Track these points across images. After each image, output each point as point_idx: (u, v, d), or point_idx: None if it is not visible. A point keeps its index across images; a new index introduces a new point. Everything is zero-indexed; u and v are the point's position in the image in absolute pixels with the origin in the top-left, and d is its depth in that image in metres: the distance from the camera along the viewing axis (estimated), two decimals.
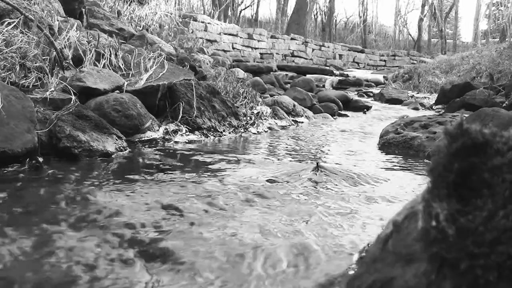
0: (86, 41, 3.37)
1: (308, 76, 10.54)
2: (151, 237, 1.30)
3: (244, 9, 27.39)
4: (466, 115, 3.68)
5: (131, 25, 5.80)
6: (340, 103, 6.42)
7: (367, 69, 19.96)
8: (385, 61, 22.55)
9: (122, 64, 3.48)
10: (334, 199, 1.80)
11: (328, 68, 15.49)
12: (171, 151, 2.78)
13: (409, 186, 2.15)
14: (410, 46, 27.89)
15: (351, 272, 1.07)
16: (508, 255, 0.51)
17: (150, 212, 1.53)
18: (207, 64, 5.81)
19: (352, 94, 8.96)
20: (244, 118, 3.93)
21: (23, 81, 2.61)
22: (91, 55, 3.29)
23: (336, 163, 2.60)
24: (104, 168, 2.17)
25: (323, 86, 10.62)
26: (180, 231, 1.36)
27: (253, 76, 8.81)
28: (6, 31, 2.79)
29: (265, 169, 2.32)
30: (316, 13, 28.77)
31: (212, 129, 3.45)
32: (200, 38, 12.76)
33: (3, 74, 2.51)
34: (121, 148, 2.56)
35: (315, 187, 1.96)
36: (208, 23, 15.59)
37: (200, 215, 1.52)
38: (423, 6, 28.06)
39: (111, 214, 1.48)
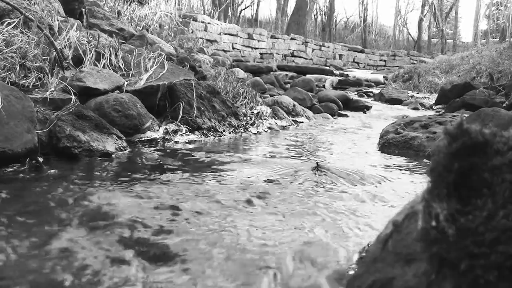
0: (86, 41, 3.37)
1: (308, 76, 10.54)
2: (152, 237, 1.30)
3: (244, 9, 27.40)
4: (466, 115, 3.68)
5: (131, 25, 5.80)
6: (340, 103, 6.42)
7: (367, 69, 19.96)
8: (385, 61, 22.55)
9: (122, 64, 3.48)
10: (333, 199, 1.80)
11: (328, 68, 15.50)
12: (171, 151, 2.78)
13: (409, 186, 2.15)
14: (410, 46, 27.89)
15: (351, 272, 1.07)
16: (508, 255, 0.51)
17: (150, 212, 1.53)
18: (207, 64, 5.81)
19: (352, 94, 8.96)
20: (244, 118, 3.93)
21: (23, 81, 2.61)
22: (91, 55, 3.29)
23: (336, 163, 2.60)
24: (104, 168, 2.17)
25: (323, 86, 10.62)
26: (181, 231, 1.36)
27: (253, 76, 8.81)
28: (6, 31, 2.79)
29: (265, 169, 2.32)
30: (316, 13, 28.78)
31: (212, 129, 3.45)
32: (200, 38, 12.76)
33: (3, 74, 2.51)
34: (121, 148, 2.56)
35: (315, 187, 1.96)
36: (208, 23, 15.59)
37: (201, 215, 1.52)
38: (423, 6, 28.07)
39: (111, 214, 1.48)
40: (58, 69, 2.96)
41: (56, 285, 1.01)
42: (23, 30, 2.94)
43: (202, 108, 3.50)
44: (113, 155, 2.44)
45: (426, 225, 0.58)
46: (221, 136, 3.44)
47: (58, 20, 3.48)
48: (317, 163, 2.24)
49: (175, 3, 14.35)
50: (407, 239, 0.77)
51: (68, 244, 1.22)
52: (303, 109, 5.21)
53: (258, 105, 4.46)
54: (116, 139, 2.57)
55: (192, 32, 12.49)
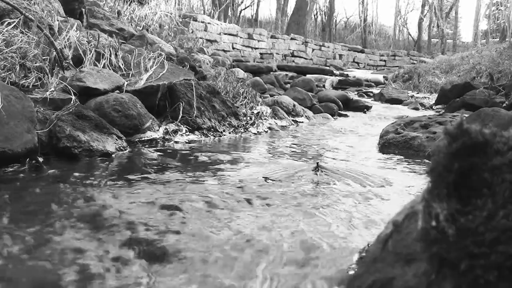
0: (86, 41, 3.37)
1: (308, 76, 10.53)
2: (151, 237, 1.30)
3: (244, 9, 27.38)
4: (466, 115, 3.68)
5: (131, 25, 5.80)
6: (340, 103, 6.42)
7: (367, 69, 19.96)
8: (385, 61, 22.55)
9: (122, 64, 3.47)
10: (334, 199, 1.80)
11: (328, 68, 15.49)
12: (171, 151, 2.78)
13: (409, 186, 2.15)
14: (410, 46, 27.89)
15: (351, 272, 1.07)
16: (508, 255, 0.51)
17: (150, 212, 1.53)
18: (207, 64, 5.81)
19: (352, 94, 8.96)
20: (244, 118, 3.93)
21: (23, 81, 2.61)
22: (91, 55, 3.28)
23: (336, 163, 2.60)
24: (104, 168, 2.17)
25: (323, 86, 10.62)
26: (180, 231, 1.36)
27: (253, 76, 8.80)
28: (6, 31, 2.79)
29: (265, 169, 2.32)
30: (316, 13, 28.77)
31: (212, 129, 3.45)
32: (200, 38, 12.76)
33: (3, 74, 2.51)
34: (121, 148, 2.56)
35: (315, 187, 1.96)
36: (208, 23, 15.59)
37: (200, 215, 1.52)
38: (423, 6, 28.07)
39: (111, 214, 1.48)
40: (58, 69, 2.96)
41: (56, 285, 1.01)
42: (23, 30, 2.94)
43: (202, 108, 3.50)
44: (113, 155, 2.44)
45: (426, 225, 0.58)
46: (221, 136, 3.44)
47: (58, 20, 3.48)
48: (317, 163, 2.24)
49: (175, 3, 14.35)
50: (407, 239, 0.77)
51: (68, 244, 1.22)
52: (303, 109, 5.21)
53: (258, 105, 4.46)
54: (116, 139, 2.57)
55: (192, 32, 12.49)
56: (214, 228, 1.40)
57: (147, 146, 2.83)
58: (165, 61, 3.80)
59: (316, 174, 2.13)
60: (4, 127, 2.04)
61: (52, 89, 2.68)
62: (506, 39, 18.60)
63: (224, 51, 15.22)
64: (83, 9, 4.47)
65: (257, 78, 8.18)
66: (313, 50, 20.45)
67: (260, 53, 17.97)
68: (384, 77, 14.30)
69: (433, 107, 7.70)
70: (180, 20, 10.17)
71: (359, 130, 4.51)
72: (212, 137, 3.37)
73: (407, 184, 2.18)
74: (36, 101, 2.48)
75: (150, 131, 2.99)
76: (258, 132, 3.85)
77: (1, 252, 1.15)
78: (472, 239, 0.53)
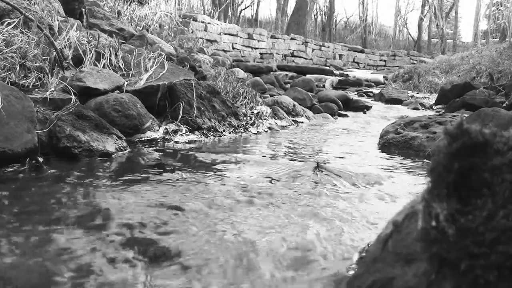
0: (86, 41, 3.37)
1: (308, 76, 10.54)
2: (152, 237, 1.30)
3: (244, 9, 27.39)
4: (466, 115, 3.68)
5: (131, 25, 5.80)
6: (340, 103, 6.42)
7: (367, 69, 19.96)
8: (385, 61, 22.55)
9: (122, 64, 3.47)
10: (334, 198, 1.80)
11: (328, 68, 15.50)
12: (171, 151, 2.78)
13: (409, 186, 2.15)
14: (410, 46, 27.89)
15: (351, 272, 1.07)
16: (508, 255, 0.51)
17: (150, 212, 1.53)
18: (207, 64, 5.81)
19: (352, 94, 8.97)
20: (244, 118, 3.93)
21: (23, 81, 2.61)
22: (91, 55, 3.28)
23: (336, 163, 2.60)
24: (104, 168, 2.17)
25: (323, 86, 10.62)
26: (181, 231, 1.36)
27: (253, 76, 8.81)
28: (6, 31, 2.79)
29: (265, 169, 2.31)
30: (316, 13, 28.78)
31: (212, 129, 3.45)
32: (200, 38, 12.76)
33: (3, 74, 2.51)
34: (121, 148, 2.56)
35: (315, 187, 1.96)
36: (208, 23, 15.59)
37: (200, 215, 1.52)
38: (423, 6, 28.07)
39: (111, 214, 1.48)
40: (58, 69, 2.96)
41: (56, 285, 1.01)
42: (23, 30, 2.94)
43: (202, 108, 3.50)
44: (113, 155, 2.44)
45: (426, 225, 0.58)
46: (221, 136, 3.44)
47: (58, 20, 3.48)
48: (317, 163, 2.24)
49: (175, 3, 14.34)
50: (407, 239, 0.77)
51: (68, 244, 1.22)
52: (303, 109, 5.21)
53: (258, 105, 4.46)
54: (116, 139, 2.57)
55: (192, 32, 12.48)
56: (215, 228, 1.40)
57: (147, 146, 2.83)
58: (165, 61, 3.80)
59: (316, 174, 2.13)
60: (4, 127, 2.04)
61: (52, 89, 2.68)
62: (506, 39, 18.59)
63: (224, 51, 15.22)
64: (83, 9, 4.47)
65: (257, 78, 8.19)
66: (313, 50, 20.45)
67: (260, 53, 17.98)
68: (384, 77, 14.31)
69: (433, 107, 7.70)
70: (180, 20, 10.17)
71: (359, 130, 4.51)
72: (212, 137, 3.37)
73: (407, 184, 2.18)
74: (36, 101, 2.48)
75: (150, 131, 2.99)
76: (258, 132, 3.85)
77: (1, 252, 1.15)
78: (472, 239, 0.53)
